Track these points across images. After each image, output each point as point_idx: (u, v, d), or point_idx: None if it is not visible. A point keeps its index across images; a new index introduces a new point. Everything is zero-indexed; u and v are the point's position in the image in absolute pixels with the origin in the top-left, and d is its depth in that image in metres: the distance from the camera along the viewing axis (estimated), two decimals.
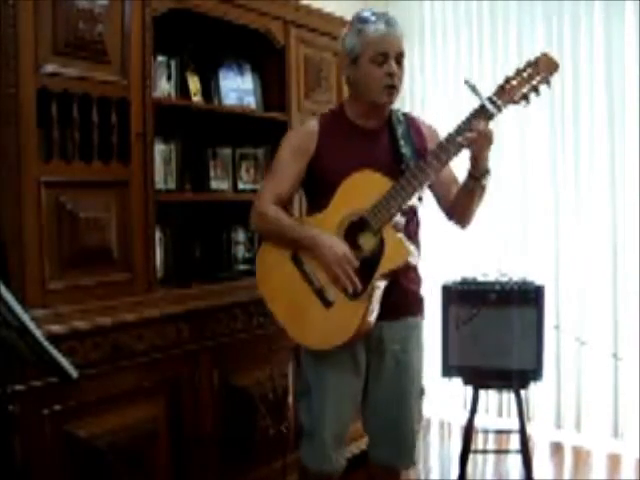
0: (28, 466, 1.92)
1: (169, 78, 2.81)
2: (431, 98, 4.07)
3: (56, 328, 1.97)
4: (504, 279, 2.84)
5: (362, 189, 1.94)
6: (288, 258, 2.00)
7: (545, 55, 1.90)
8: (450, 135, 1.90)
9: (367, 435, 2.18)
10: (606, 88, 3.50)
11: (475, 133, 1.85)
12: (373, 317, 1.95)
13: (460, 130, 1.89)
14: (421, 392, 2.14)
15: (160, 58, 2.74)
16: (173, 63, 2.83)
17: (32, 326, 1.45)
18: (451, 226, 3.90)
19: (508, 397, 3.69)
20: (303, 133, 2.09)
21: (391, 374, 2.06)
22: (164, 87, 2.78)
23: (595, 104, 3.53)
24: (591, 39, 3.52)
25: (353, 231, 1.95)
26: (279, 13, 2.91)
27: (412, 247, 1.93)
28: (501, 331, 2.74)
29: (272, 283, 2.04)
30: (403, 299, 2.06)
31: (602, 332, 3.53)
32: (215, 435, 2.46)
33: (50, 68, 2.06)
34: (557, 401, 3.67)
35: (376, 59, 1.97)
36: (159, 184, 2.69)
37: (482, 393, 2.90)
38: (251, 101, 3.09)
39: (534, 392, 3.60)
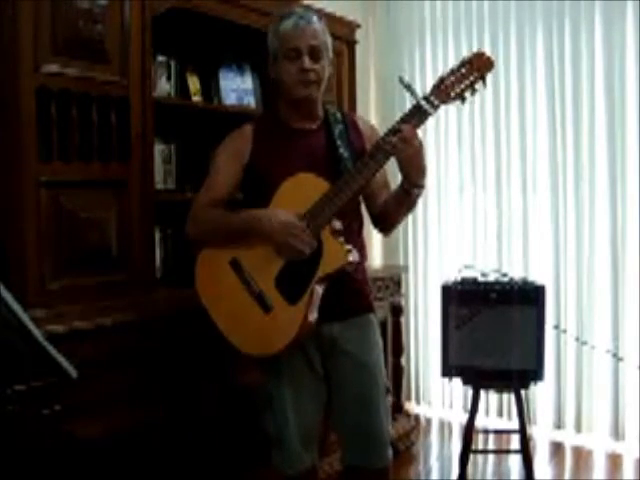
0: (28, 466, 1.92)
1: (169, 78, 2.82)
2: None
3: (56, 328, 1.96)
4: (504, 279, 2.83)
5: (300, 192, 1.91)
6: (226, 263, 1.96)
7: (479, 53, 1.91)
8: (386, 134, 1.88)
9: (337, 439, 2.16)
10: (606, 88, 3.49)
11: (397, 137, 1.83)
12: (314, 320, 1.92)
13: (394, 129, 1.87)
14: (386, 390, 2.12)
15: (160, 58, 2.75)
16: (173, 63, 2.83)
17: (31, 326, 1.45)
18: (451, 226, 3.90)
19: (508, 397, 3.68)
20: (237, 137, 2.07)
21: (353, 376, 2.04)
22: (164, 87, 2.79)
23: (596, 104, 3.52)
24: (591, 39, 3.52)
25: None
26: (280, 13, 2.90)
27: (351, 250, 1.90)
28: (501, 331, 2.73)
29: (211, 291, 2.00)
30: (352, 298, 2.04)
31: (602, 332, 3.52)
32: (215, 435, 2.46)
33: (50, 68, 2.06)
34: (557, 401, 3.67)
35: (289, 55, 1.96)
36: (159, 184, 2.70)
37: (482, 393, 2.90)
38: (251, 101, 3.09)
39: (534, 392, 3.60)
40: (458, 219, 3.96)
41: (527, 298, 2.73)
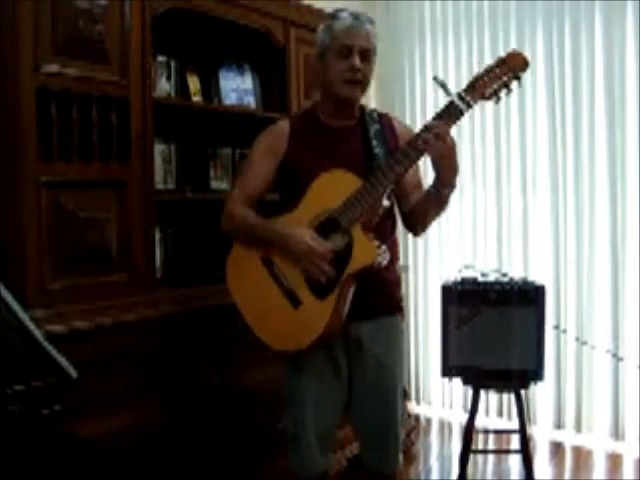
0: (28, 466, 1.92)
1: (169, 78, 2.82)
2: (431, 98, 4.07)
3: (56, 328, 1.97)
4: (504, 279, 2.83)
5: (333, 188, 1.91)
6: (258, 259, 1.98)
7: (515, 52, 1.89)
8: (419, 132, 1.88)
9: (358, 440, 2.17)
10: (606, 88, 3.49)
11: (430, 135, 1.82)
12: (343, 317, 1.93)
13: (428, 127, 1.86)
14: (404, 393, 2.13)
15: (160, 58, 2.74)
16: (173, 63, 2.83)
17: (31, 326, 1.45)
18: (451, 226, 3.90)
19: (508, 397, 3.68)
20: (274, 134, 2.08)
21: (374, 376, 2.04)
22: (164, 87, 2.79)
23: (596, 104, 3.52)
24: (591, 39, 3.52)
25: (324, 230, 1.92)
26: (280, 13, 2.91)
27: (381, 247, 1.89)
28: (501, 331, 2.73)
29: (242, 285, 2.02)
30: (380, 299, 2.04)
31: (602, 332, 3.52)
32: (215, 435, 2.46)
33: (50, 68, 2.06)
34: (557, 401, 3.67)
35: (340, 52, 1.96)
36: (159, 184, 2.69)
37: (482, 393, 2.90)
38: (251, 101, 3.09)
39: (534, 392, 3.60)
40: (458, 219, 3.96)
41: (527, 298, 2.73)
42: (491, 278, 2.86)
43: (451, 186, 1.92)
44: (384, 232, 2.00)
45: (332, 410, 2.06)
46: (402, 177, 1.92)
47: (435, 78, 1.93)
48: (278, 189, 2.10)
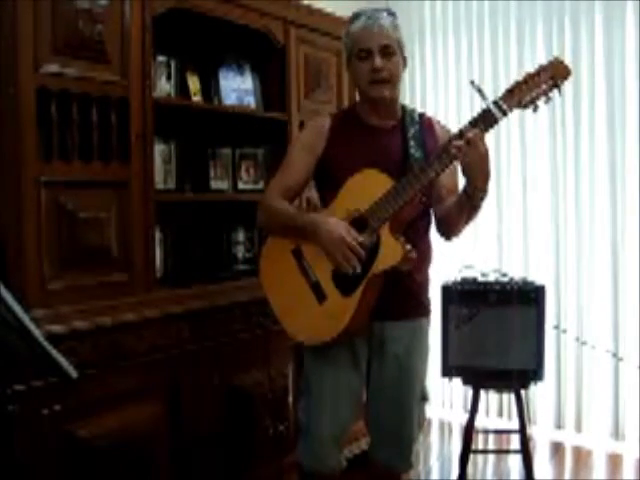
0: (28, 466, 1.92)
1: (169, 78, 2.81)
2: (431, 98, 4.07)
3: (56, 328, 1.96)
4: (504, 279, 2.84)
5: (365, 188, 1.93)
6: (289, 251, 2.01)
7: (557, 60, 1.85)
8: (453, 137, 1.87)
9: (369, 436, 2.18)
10: (606, 88, 3.50)
11: (463, 141, 1.81)
12: (365, 316, 1.94)
13: (462, 132, 1.85)
14: (423, 397, 2.13)
15: (160, 58, 2.74)
16: (173, 63, 2.83)
17: (32, 326, 1.45)
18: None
19: (508, 397, 3.68)
20: (314, 130, 2.11)
21: (393, 376, 2.05)
22: (164, 87, 2.78)
23: (595, 104, 3.53)
24: (591, 39, 3.52)
25: (355, 228, 1.93)
26: (280, 13, 2.91)
27: (410, 249, 1.88)
28: (501, 331, 2.74)
29: (272, 277, 2.06)
30: (407, 300, 2.06)
31: (602, 332, 3.53)
32: (215, 435, 2.46)
33: (50, 68, 2.06)
34: (557, 401, 3.67)
35: (360, 55, 1.98)
36: (159, 184, 2.69)
37: (482, 393, 2.90)
38: (251, 101, 3.09)
39: (534, 392, 3.60)
40: None
41: (527, 298, 2.73)
42: (491, 278, 2.86)
43: (483, 192, 1.90)
44: (416, 233, 2.00)
45: (348, 407, 2.07)
46: (433, 181, 1.92)
47: (472, 83, 1.90)
48: (317, 185, 2.13)
